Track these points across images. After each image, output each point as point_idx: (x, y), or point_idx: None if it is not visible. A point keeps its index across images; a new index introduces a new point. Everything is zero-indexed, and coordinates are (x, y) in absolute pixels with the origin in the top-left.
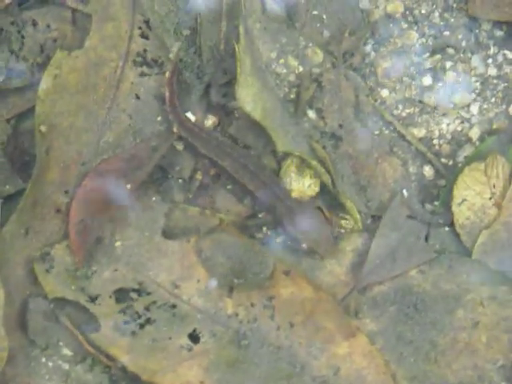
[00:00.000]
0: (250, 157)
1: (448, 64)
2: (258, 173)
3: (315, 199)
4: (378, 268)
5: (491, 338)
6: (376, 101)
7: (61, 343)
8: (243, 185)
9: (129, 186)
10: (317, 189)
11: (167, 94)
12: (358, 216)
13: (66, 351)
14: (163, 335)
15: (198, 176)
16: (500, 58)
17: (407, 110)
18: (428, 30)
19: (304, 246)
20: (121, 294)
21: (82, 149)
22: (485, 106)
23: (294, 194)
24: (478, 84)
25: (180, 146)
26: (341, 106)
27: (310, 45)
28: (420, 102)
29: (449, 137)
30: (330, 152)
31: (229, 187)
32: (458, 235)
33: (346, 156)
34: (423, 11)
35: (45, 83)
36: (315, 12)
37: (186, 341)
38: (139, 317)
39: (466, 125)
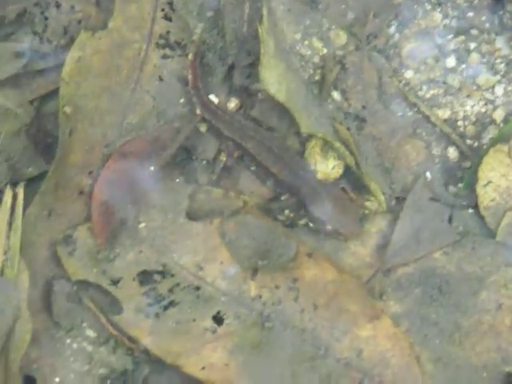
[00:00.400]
0: (274, 139)
1: (472, 45)
2: (281, 155)
3: (339, 181)
4: (402, 250)
5: None
6: (400, 82)
7: (84, 325)
8: (267, 167)
9: (152, 168)
10: (341, 170)
11: (190, 76)
12: (382, 197)
13: (90, 333)
14: (187, 317)
15: (222, 158)
16: None
17: (431, 92)
18: (452, 11)
19: (329, 227)
20: (144, 277)
21: (106, 130)
22: (509, 88)
23: (319, 176)
24: (502, 66)
25: (203, 128)
26: (364, 88)
27: (334, 27)
28: (444, 83)
29: (473, 118)
30: (354, 134)
31: (252, 169)
32: (481, 217)
33: (369, 138)
34: None
35: (69, 65)
36: None
37: (209, 323)
38: (163, 299)
39: (490, 106)
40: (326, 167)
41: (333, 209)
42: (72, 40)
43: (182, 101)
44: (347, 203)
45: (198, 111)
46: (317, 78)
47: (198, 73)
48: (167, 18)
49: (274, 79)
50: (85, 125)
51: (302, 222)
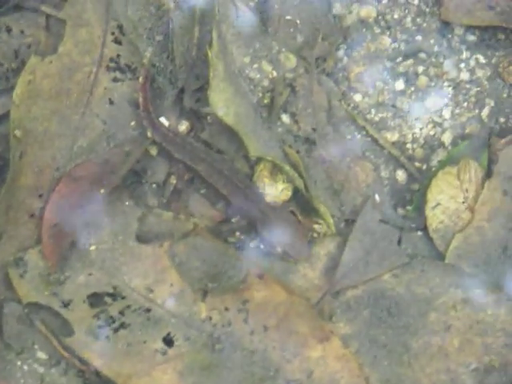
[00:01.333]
0: (224, 161)
1: (420, 69)
2: (231, 177)
3: (288, 204)
4: (351, 272)
5: (464, 342)
6: (349, 105)
7: (36, 347)
8: (217, 189)
9: (102, 191)
10: (290, 193)
11: (141, 99)
12: (331, 220)
13: (41, 355)
14: (138, 339)
15: (172, 180)
16: (472, 63)
17: (380, 115)
18: (400, 35)
19: (278, 249)
20: (95, 299)
21: (56, 154)
22: (457, 111)
23: (268, 199)
24: (450, 89)
25: (154, 151)
26: (314, 111)
27: (284, 50)
28: (393, 106)
29: (422, 141)
30: (304, 156)
31: (202, 192)
32: (430, 239)
33: (319, 160)
34: (396, 16)
35: (19, 88)
36: (288, 17)
37: (160, 345)
38: (113, 321)
39: (439, 129)
40: (275, 190)
41: (282, 231)
42: (23, 64)
43: (132, 124)
44: (296, 226)
45: (149, 134)
46: (266, 101)
47: (148, 96)
48: (117, 41)
49: (222, 103)
50: (35, 148)
51: (253, 244)
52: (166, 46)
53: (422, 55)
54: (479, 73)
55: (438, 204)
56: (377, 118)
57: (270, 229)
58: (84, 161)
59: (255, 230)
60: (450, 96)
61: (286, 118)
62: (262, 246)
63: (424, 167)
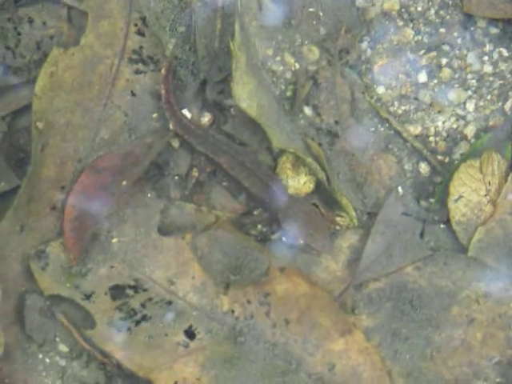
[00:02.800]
0: (247, 154)
1: (443, 61)
2: (254, 170)
3: (311, 196)
4: (373, 264)
5: (486, 335)
6: (372, 98)
7: (57, 339)
8: (239, 182)
9: (125, 183)
10: (312, 186)
11: (163, 91)
12: (354, 213)
13: (63, 347)
14: (159, 332)
15: (194, 173)
16: (495, 56)
17: (403, 107)
18: (424, 28)
19: (300, 242)
20: (117, 291)
21: (78, 146)
22: (480, 104)
23: (290, 191)
24: (473, 81)
25: (176, 143)
26: (337, 103)
27: (306, 42)
28: (415, 99)
29: (444, 134)
30: (326, 149)
31: (224, 184)
32: (453, 232)
33: (341, 153)
34: (419, 8)
35: (41, 80)
36: (311, 9)
37: (182, 337)
38: (135, 313)
39: (462, 122)
40: (298, 182)
41: (305, 224)
42: (45, 55)
43: (154, 116)
44: (319, 218)
45: (171, 126)
46: (288, 93)
47: (170, 88)
48: (140, 33)
49: (245, 95)
50: (57, 140)
51: (275, 236)
52: (188, 37)
53: (446, 47)
54: (502, 66)
55: (461, 197)
56: (400, 111)
57: (293, 221)
58: (106, 153)
59: (277, 223)
60: (473, 89)
61: (308, 110)
62: (284, 239)
63: (447, 160)
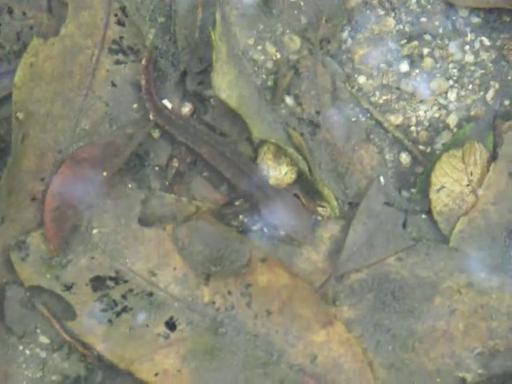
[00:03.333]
0: (227, 144)
1: (425, 50)
2: (235, 160)
3: (292, 186)
4: (355, 255)
5: (468, 326)
6: (353, 87)
7: (38, 331)
8: (220, 172)
9: (105, 174)
10: (294, 176)
11: (143, 81)
12: (335, 203)
13: (43, 339)
14: (140, 323)
15: (174, 163)
16: (477, 45)
17: (384, 97)
18: (405, 17)
19: (282, 232)
20: (97, 282)
21: (59, 136)
22: (462, 93)
23: (271, 182)
24: (455, 71)
25: (156, 134)
26: (318, 93)
27: (288, 31)
28: (397, 88)
29: (426, 123)
30: (308, 139)
31: (205, 174)
32: (435, 222)
33: (323, 143)
34: None
35: (21, 71)
36: None
37: (162, 329)
38: (116, 305)
39: (444, 111)
40: (279, 173)
41: (286, 214)
42: (25, 46)
43: (135, 106)
44: (300, 209)
45: (151, 116)
46: (270, 83)
47: (151, 78)
48: (120, 23)
49: (225, 85)
50: (37, 130)
51: (256, 227)
52: (168, 28)
53: (427, 37)
54: (484, 55)
55: (443, 187)
56: (381, 101)
57: (273, 211)
58: (87, 143)
59: (258, 213)
60: (454, 78)
61: (289, 100)
62: (265, 230)
63: (428, 150)
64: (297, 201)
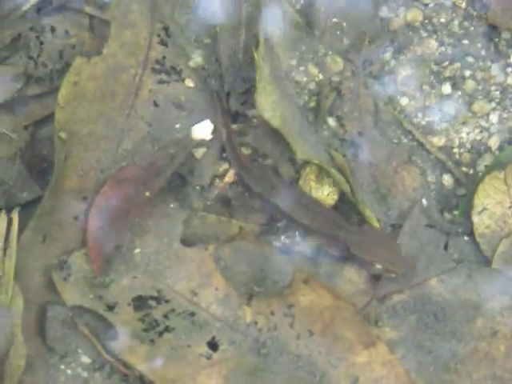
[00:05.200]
0: (309, 199)
1: (467, 73)
2: (314, 208)
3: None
4: (397, 277)
5: (510, 348)
6: (395, 109)
7: (79, 350)
8: (307, 227)
9: (147, 194)
10: (336, 197)
11: (224, 131)
12: (378, 224)
13: (85, 359)
14: (182, 343)
15: (217, 183)
16: None
17: (426, 119)
18: (447, 39)
19: (378, 266)
20: (139, 302)
21: (101, 156)
22: (504, 115)
23: None
24: (497, 93)
25: (198, 154)
26: (360, 114)
27: (330, 53)
28: (439, 110)
29: (468, 146)
30: (350, 160)
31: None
32: (477, 244)
33: (365, 164)
34: (442, 20)
35: (64, 90)
36: (335, 20)
37: (205, 349)
38: (158, 325)
39: (486, 134)
40: (322, 194)
41: (379, 249)
42: (67, 65)
43: (177, 126)
44: (390, 241)
45: (232, 166)
46: (312, 104)
47: (231, 129)
48: (163, 43)
49: (269, 105)
50: (80, 150)
51: (298, 247)
52: (212, 49)
53: (469, 59)
54: None
55: (485, 209)
56: (423, 122)
57: (367, 250)
58: (129, 163)
59: (348, 256)
60: (496, 100)
61: (332, 121)
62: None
63: (471, 172)
64: (383, 232)
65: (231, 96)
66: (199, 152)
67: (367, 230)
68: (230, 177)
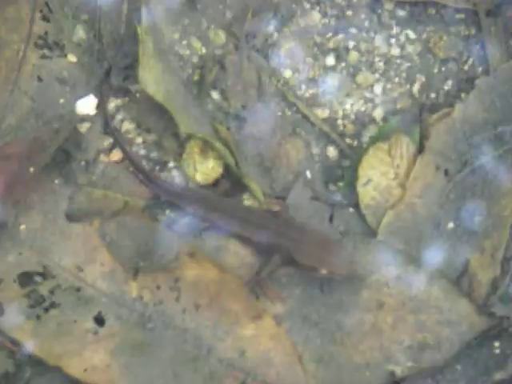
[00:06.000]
0: (245, 209)
1: (351, 44)
2: (248, 217)
3: (221, 181)
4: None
5: (397, 319)
6: (279, 82)
7: None
8: (237, 233)
9: (32, 169)
10: (220, 170)
11: (140, 175)
12: (262, 197)
13: None
14: (68, 319)
15: (102, 158)
16: (403, 38)
17: (310, 91)
18: (330, 10)
19: (323, 271)
20: (25, 278)
21: None
22: (388, 86)
23: (198, 177)
24: (381, 64)
25: (83, 128)
26: (244, 88)
27: (213, 26)
28: (323, 82)
29: (353, 117)
30: (234, 133)
31: (131, 169)
32: (362, 216)
33: (249, 137)
34: None
35: None
36: None
37: (91, 324)
38: (44, 300)
39: (370, 105)
40: (206, 167)
41: (322, 253)
42: None
43: (61, 101)
44: (332, 244)
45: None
46: (196, 78)
47: (147, 170)
48: (45, 18)
49: (152, 80)
50: None
51: (183, 221)
52: (92, 24)
53: (353, 30)
54: (410, 48)
55: (370, 180)
56: (307, 94)
57: (308, 254)
58: (12, 139)
59: (290, 259)
60: (380, 71)
61: (215, 94)
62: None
63: (355, 143)
64: (326, 236)
65: (113, 71)
66: (83, 127)
67: (307, 234)
68: (116, 155)
